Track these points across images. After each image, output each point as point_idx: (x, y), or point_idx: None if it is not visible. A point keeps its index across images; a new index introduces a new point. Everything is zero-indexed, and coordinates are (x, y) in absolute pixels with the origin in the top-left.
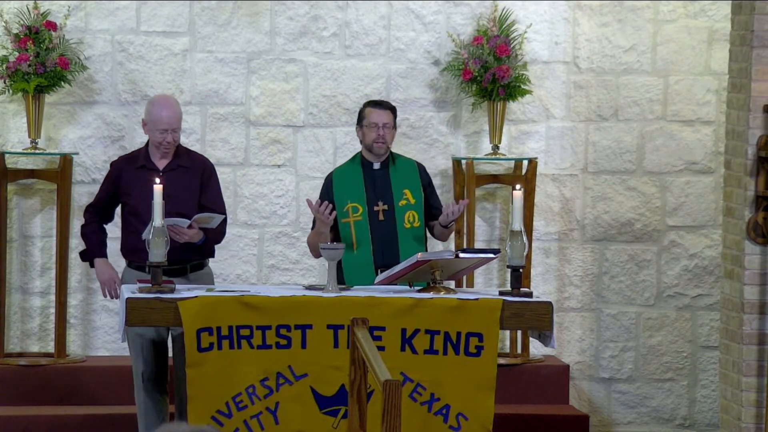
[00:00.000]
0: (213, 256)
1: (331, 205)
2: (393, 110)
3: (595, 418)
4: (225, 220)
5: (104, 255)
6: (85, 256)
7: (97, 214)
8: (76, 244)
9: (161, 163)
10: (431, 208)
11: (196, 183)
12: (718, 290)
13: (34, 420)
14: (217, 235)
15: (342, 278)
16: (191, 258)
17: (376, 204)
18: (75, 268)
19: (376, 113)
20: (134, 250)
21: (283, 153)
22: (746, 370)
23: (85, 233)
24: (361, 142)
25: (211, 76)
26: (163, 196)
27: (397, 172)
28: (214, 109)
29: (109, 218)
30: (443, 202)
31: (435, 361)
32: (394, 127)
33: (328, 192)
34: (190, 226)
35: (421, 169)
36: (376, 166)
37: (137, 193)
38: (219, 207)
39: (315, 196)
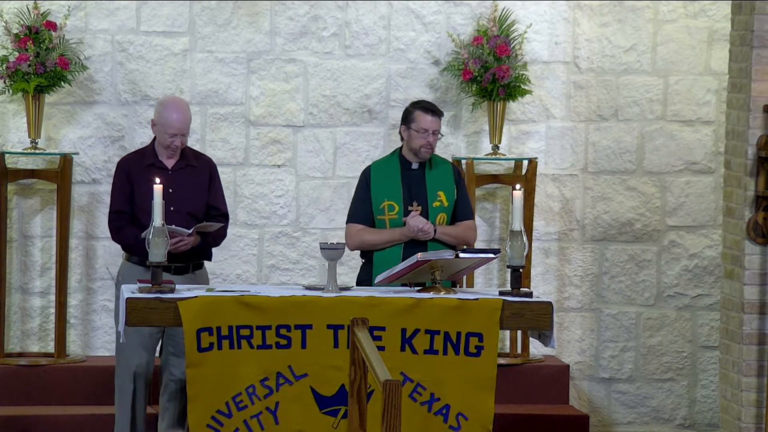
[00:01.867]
0: (210, 259)
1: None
2: (442, 115)
3: (595, 418)
4: (226, 222)
5: None
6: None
7: (122, 219)
8: (76, 244)
9: (169, 163)
10: (456, 204)
11: (204, 181)
12: (718, 290)
13: (34, 420)
14: (216, 239)
15: (371, 273)
16: (193, 257)
17: (410, 204)
18: (75, 268)
19: (429, 120)
20: (142, 247)
21: (283, 153)
22: (746, 370)
23: (123, 237)
24: (402, 140)
25: (211, 76)
26: (174, 195)
27: (432, 174)
28: (214, 109)
29: (135, 220)
30: None
31: (435, 361)
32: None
33: (366, 186)
34: (190, 234)
35: (456, 171)
36: (414, 166)
37: (146, 191)
38: (223, 205)
39: (315, 196)
